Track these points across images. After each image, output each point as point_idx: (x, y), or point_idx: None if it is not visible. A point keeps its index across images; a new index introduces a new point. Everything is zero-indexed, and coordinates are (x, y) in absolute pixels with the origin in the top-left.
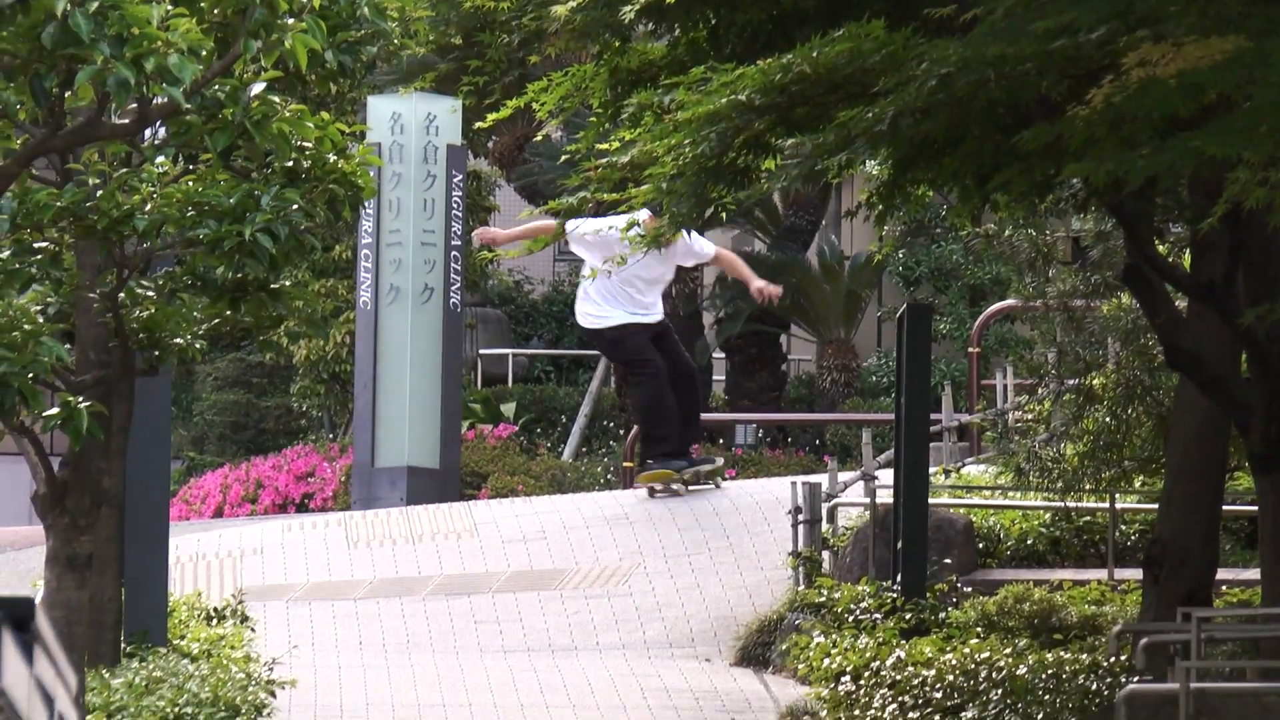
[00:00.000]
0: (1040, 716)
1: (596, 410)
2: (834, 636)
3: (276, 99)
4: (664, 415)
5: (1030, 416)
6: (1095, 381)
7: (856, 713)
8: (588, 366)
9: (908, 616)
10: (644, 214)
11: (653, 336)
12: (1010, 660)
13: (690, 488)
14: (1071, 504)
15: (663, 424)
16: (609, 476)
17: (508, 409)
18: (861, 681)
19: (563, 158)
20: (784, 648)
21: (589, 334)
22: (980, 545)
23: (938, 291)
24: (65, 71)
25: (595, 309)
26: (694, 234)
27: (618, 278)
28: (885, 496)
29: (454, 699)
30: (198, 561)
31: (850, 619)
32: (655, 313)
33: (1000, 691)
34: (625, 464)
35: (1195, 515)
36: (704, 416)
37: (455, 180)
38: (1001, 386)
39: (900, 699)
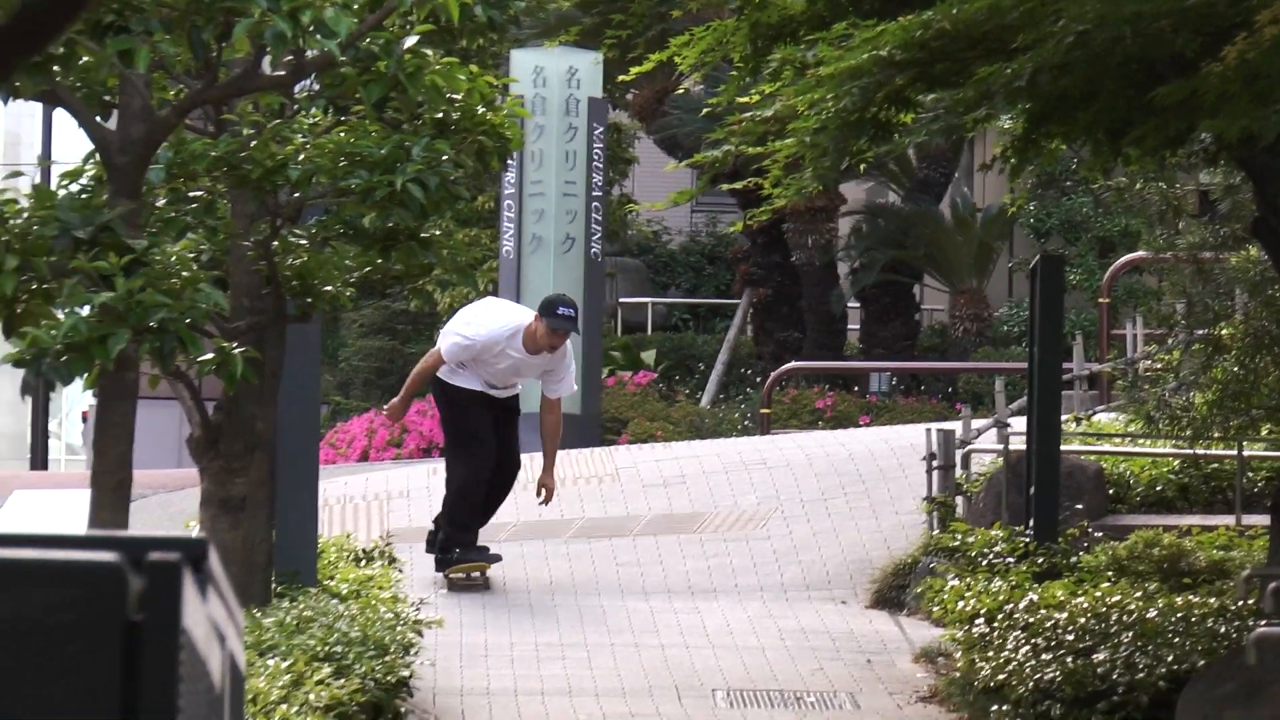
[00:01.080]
0: (1170, 659)
1: (734, 357)
2: (967, 580)
3: (428, 52)
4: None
5: (1159, 366)
6: (1223, 332)
7: (990, 654)
8: (725, 315)
9: (1040, 561)
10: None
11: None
12: (1140, 604)
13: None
14: (1200, 451)
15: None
16: (746, 423)
17: (647, 356)
18: (995, 624)
19: (704, 111)
20: (918, 591)
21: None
22: (1110, 491)
23: (1068, 243)
24: (222, 24)
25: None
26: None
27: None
28: (1018, 443)
29: (596, 639)
30: (345, 504)
31: (984, 563)
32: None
33: (1131, 634)
34: (764, 410)
35: None
36: (839, 364)
37: (596, 132)
38: (1131, 336)
39: (1033, 641)
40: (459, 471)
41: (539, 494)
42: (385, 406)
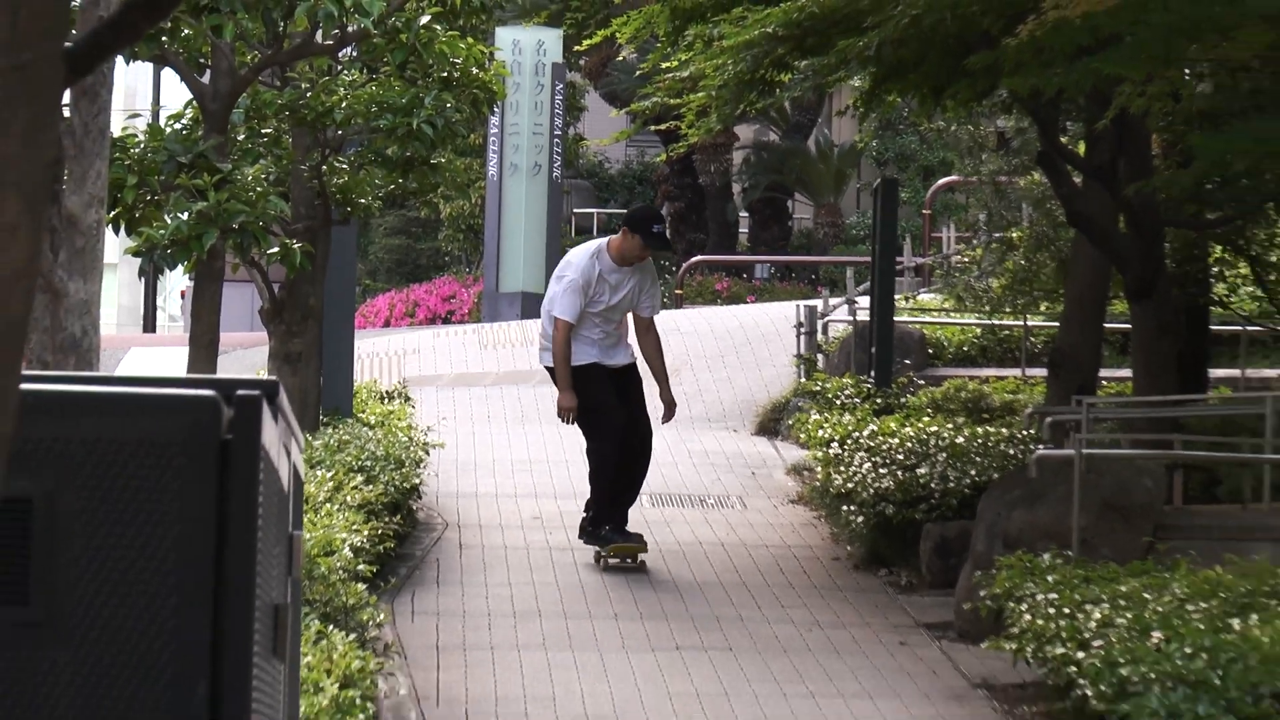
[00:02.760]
0: (973, 472)
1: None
2: (825, 414)
3: (438, 27)
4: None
5: (966, 259)
6: (1013, 234)
7: (841, 469)
8: None
9: (878, 401)
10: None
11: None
12: (951, 432)
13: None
14: (995, 322)
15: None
16: (665, 300)
17: None
18: (845, 446)
19: (636, 73)
20: (789, 423)
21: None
22: (930, 351)
23: (900, 170)
24: (287, 6)
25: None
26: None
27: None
28: (863, 316)
29: (555, 455)
30: (373, 358)
31: (837, 402)
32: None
33: (944, 455)
34: (678, 291)
35: (1085, 331)
36: (733, 258)
37: (557, 89)
38: (946, 238)
39: (873, 459)
40: (592, 445)
41: (665, 411)
42: (560, 406)
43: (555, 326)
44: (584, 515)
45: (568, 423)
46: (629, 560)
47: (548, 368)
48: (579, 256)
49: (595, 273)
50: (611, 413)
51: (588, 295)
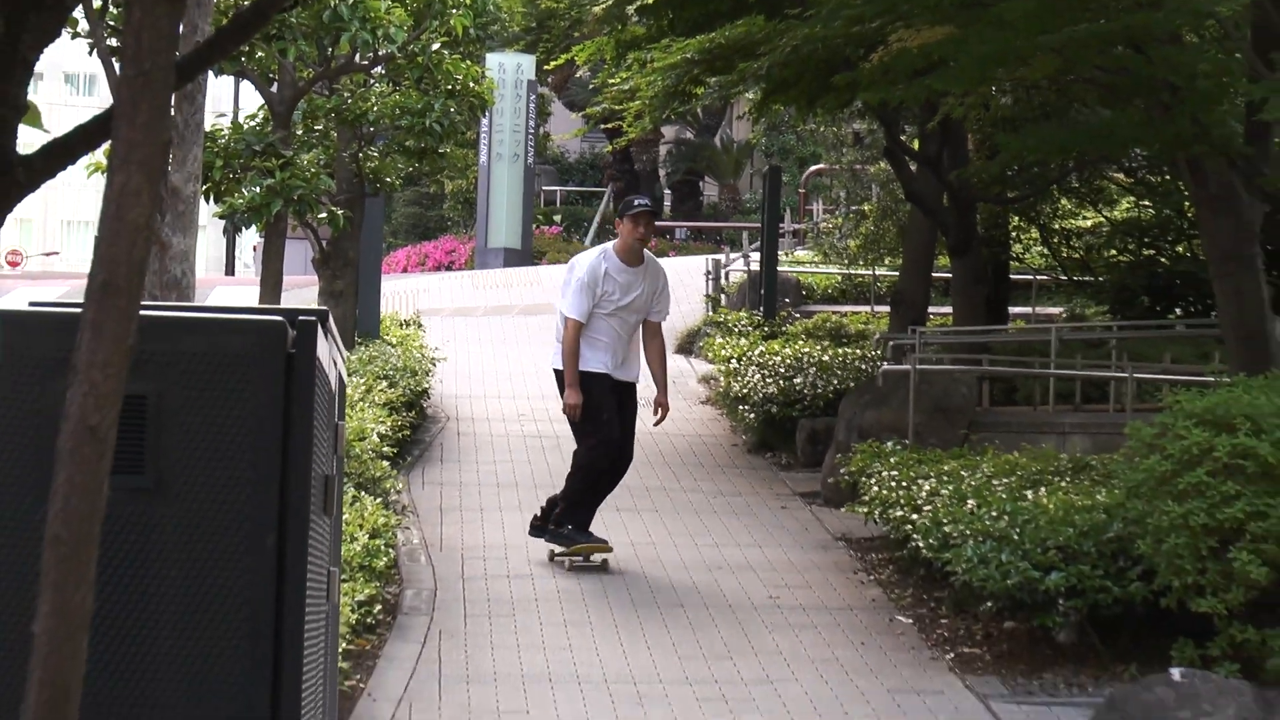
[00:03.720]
0: (835, 382)
1: (603, 219)
2: (726, 339)
3: (445, 52)
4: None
5: (831, 226)
6: (865, 207)
7: (738, 379)
8: (598, 197)
9: (765, 329)
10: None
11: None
12: (819, 352)
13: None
14: (852, 271)
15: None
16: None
17: (556, 218)
18: (741, 362)
19: (590, 86)
20: (700, 344)
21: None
22: (803, 293)
23: (782, 160)
24: (334, 35)
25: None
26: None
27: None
28: (755, 266)
29: (530, 368)
30: (394, 295)
31: (735, 330)
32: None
33: (815, 369)
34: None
35: (918, 278)
36: (661, 224)
37: (531, 99)
38: (815, 210)
39: (762, 372)
40: (583, 451)
41: (656, 413)
42: (565, 404)
43: (564, 325)
44: (540, 509)
45: (575, 419)
46: (594, 559)
47: (556, 370)
48: (586, 257)
49: (602, 270)
50: (610, 425)
51: (595, 294)
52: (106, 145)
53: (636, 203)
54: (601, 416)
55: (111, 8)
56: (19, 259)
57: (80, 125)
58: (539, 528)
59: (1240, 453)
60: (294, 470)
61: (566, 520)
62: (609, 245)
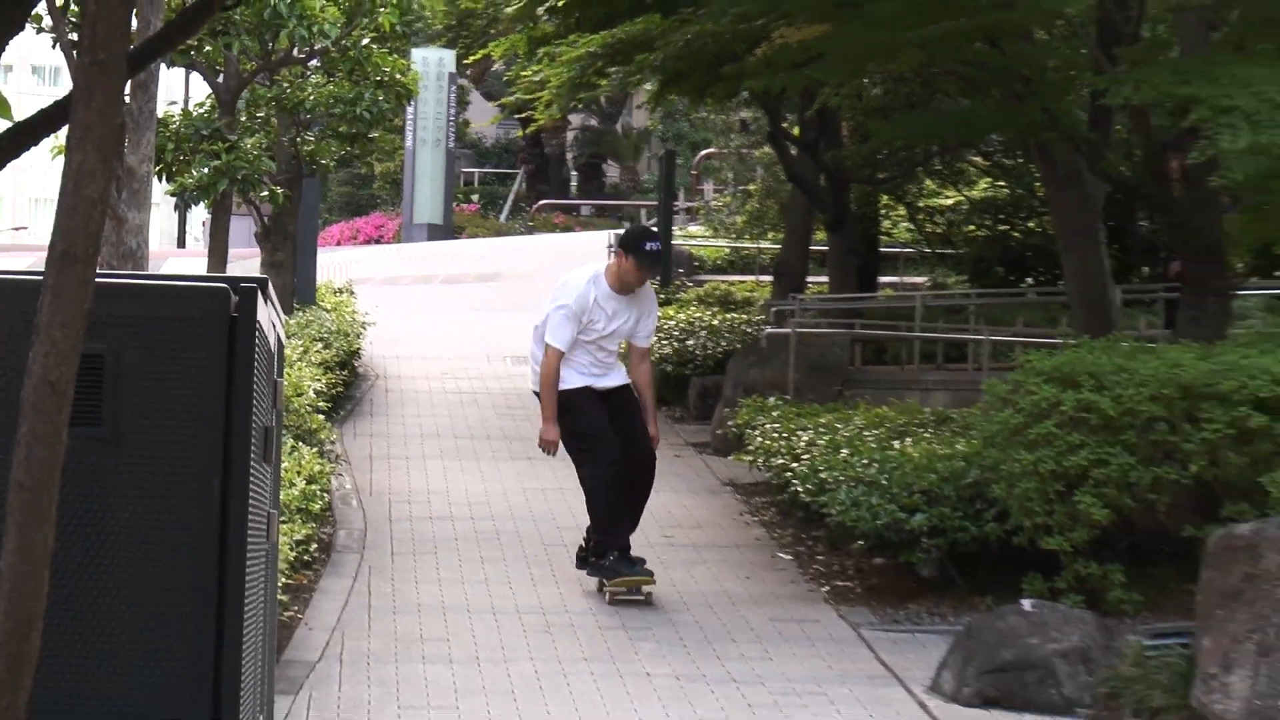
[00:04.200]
0: (724, 343)
1: (516, 197)
2: None
3: (375, 46)
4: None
5: (720, 203)
6: (751, 187)
7: None
8: (512, 178)
9: (662, 296)
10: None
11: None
12: (710, 317)
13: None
14: (739, 245)
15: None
16: (522, 230)
17: (474, 197)
18: None
19: (505, 78)
20: None
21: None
22: (695, 263)
23: (677, 145)
24: (274, 31)
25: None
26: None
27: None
28: None
29: (453, 332)
30: (329, 266)
31: None
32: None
33: (705, 331)
34: (530, 223)
35: (798, 250)
36: (568, 201)
37: (451, 90)
38: (708, 189)
39: (658, 334)
40: (584, 473)
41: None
42: (542, 440)
43: (546, 354)
44: (583, 542)
45: (550, 454)
46: (635, 593)
47: (536, 393)
48: (576, 280)
49: (591, 299)
50: (603, 437)
51: (581, 323)
52: (66, 128)
53: (648, 246)
54: (592, 433)
55: (73, 4)
56: None
57: (42, 109)
58: (583, 559)
59: (1084, 406)
60: (236, 422)
61: (606, 548)
62: (600, 270)
